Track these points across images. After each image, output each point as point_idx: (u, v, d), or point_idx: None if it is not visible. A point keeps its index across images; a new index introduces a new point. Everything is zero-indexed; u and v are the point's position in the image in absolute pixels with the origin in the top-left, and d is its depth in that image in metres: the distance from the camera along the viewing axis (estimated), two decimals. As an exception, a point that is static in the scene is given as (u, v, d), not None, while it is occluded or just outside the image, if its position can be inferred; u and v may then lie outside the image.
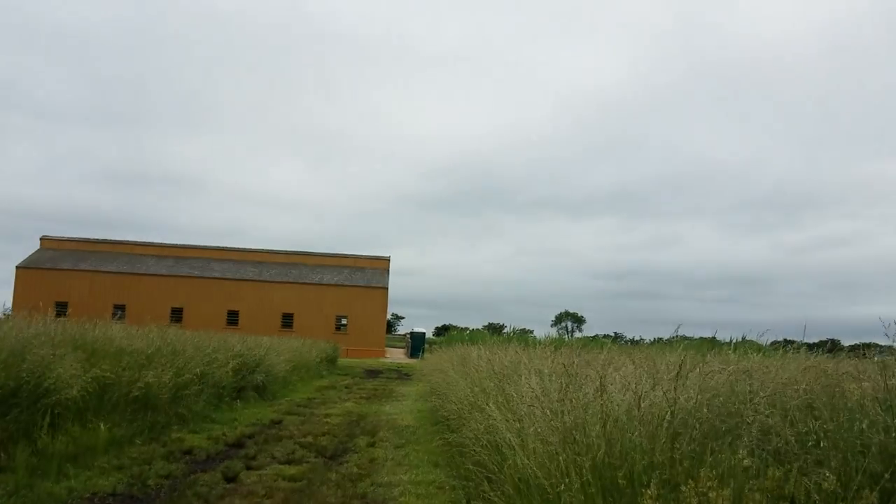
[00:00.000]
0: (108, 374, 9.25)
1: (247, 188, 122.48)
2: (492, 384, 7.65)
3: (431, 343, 60.63)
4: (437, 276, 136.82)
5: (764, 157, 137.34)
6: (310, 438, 11.07)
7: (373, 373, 33.07)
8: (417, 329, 62.65)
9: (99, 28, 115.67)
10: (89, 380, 8.47)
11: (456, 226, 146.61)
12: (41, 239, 62.05)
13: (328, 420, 13.42)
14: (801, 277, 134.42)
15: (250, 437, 11.15)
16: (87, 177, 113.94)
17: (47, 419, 7.85)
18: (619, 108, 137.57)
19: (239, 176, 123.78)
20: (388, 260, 63.05)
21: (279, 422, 13.03)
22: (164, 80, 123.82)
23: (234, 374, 14.46)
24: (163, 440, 10.06)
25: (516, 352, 10.47)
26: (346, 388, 22.00)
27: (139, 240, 62.55)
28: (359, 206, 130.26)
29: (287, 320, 56.92)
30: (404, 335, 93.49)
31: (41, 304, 13.37)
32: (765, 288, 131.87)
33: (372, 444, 10.84)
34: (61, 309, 56.44)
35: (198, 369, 12.35)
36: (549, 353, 8.94)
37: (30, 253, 60.58)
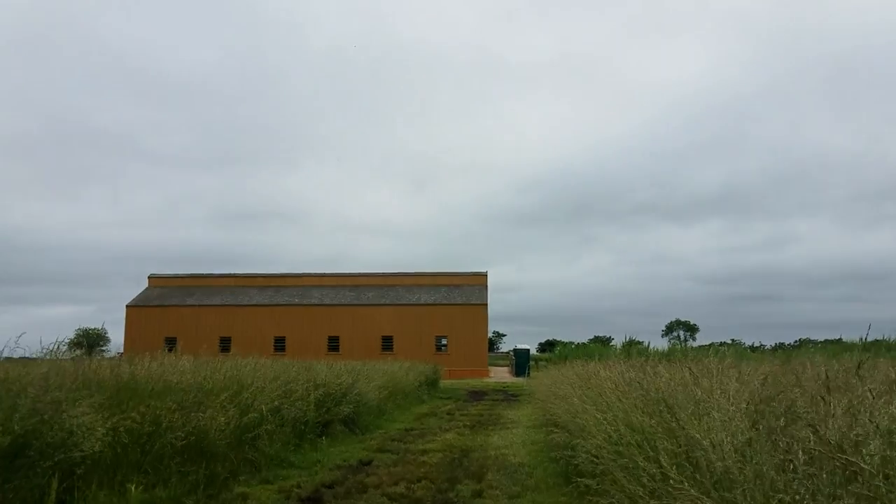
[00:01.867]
0: (138, 419, 7.39)
1: (346, 217, 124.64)
2: (653, 421, 5.12)
3: (536, 360, 57.65)
4: (538, 290, 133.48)
5: (878, 144, 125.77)
6: (402, 487, 8.85)
7: (477, 395, 30.73)
8: (521, 346, 59.77)
9: (202, 75, 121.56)
10: (108, 430, 6.59)
11: (555, 238, 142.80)
12: (149, 277, 64.13)
13: (426, 458, 11.18)
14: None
15: (331, 486, 9.06)
16: (198, 218, 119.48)
17: (54, 483, 6.01)
18: (720, 107, 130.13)
19: (339, 205, 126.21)
20: (485, 275, 60.83)
21: (368, 462, 10.92)
22: (264, 118, 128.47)
23: (316, 408, 12.53)
24: (221, 497, 8.12)
25: (668, 369, 7.83)
26: (447, 414, 19.78)
27: (241, 272, 63.48)
28: (456, 225, 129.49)
29: (387, 343, 55.70)
30: (507, 353, 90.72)
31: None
32: (890, 283, 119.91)
33: (479, 494, 8.49)
34: (171, 344, 58.00)
35: (269, 404, 10.45)
36: (732, 373, 6.30)
37: (139, 292, 62.70)
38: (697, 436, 4.02)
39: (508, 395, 30.01)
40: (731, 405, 4.56)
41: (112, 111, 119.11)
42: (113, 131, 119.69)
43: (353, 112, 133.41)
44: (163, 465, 7.96)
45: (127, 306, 60.38)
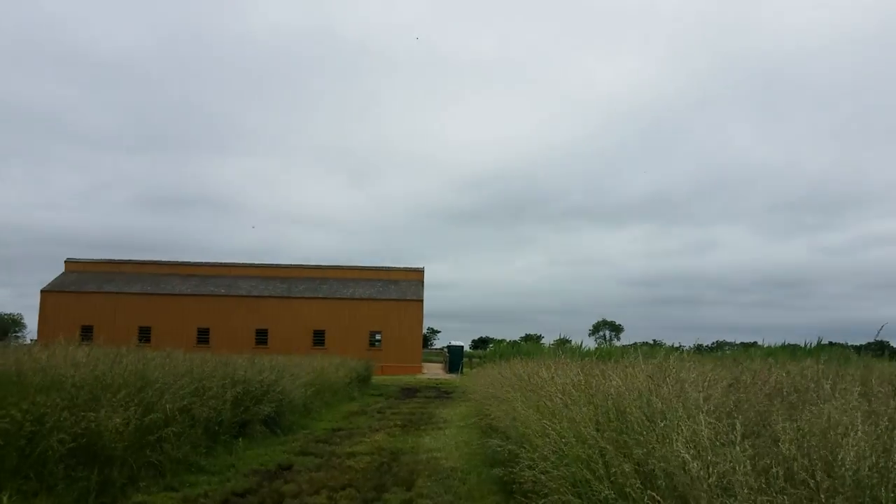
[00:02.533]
0: (19, 418, 6.32)
1: (281, 208, 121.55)
2: (606, 435, 4.47)
3: (470, 357, 57.40)
4: (473, 288, 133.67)
5: (801, 157, 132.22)
6: (323, 497, 8.02)
7: (409, 391, 29.99)
8: (455, 342, 59.35)
9: (135, 56, 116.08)
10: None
11: (490, 238, 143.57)
12: (66, 262, 60.58)
13: (352, 462, 10.35)
14: (841, 279, 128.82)
15: (242, 495, 8.14)
16: (124, 202, 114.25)
17: None
18: (651, 115, 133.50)
19: (273, 196, 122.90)
20: (421, 271, 60.12)
21: (288, 467, 10.01)
22: (198, 103, 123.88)
23: (233, 407, 11.51)
24: (114, 509, 7.11)
25: (615, 372, 7.26)
26: (378, 412, 18.95)
27: (164, 259, 60.66)
28: (392, 221, 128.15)
29: (318, 338, 54.25)
30: (441, 349, 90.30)
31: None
32: (804, 290, 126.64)
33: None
34: (87, 333, 54.99)
35: (177, 403, 9.40)
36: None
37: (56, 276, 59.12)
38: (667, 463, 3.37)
39: (441, 393, 29.39)
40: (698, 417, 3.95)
41: (38, 89, 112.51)
42: (38, 110, 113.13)
43: (292, 102, 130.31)
44: (47, 471, 6.88)
45: (42, 291, 56.82)
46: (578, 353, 25.55)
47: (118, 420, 7.60)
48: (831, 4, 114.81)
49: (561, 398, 6.42)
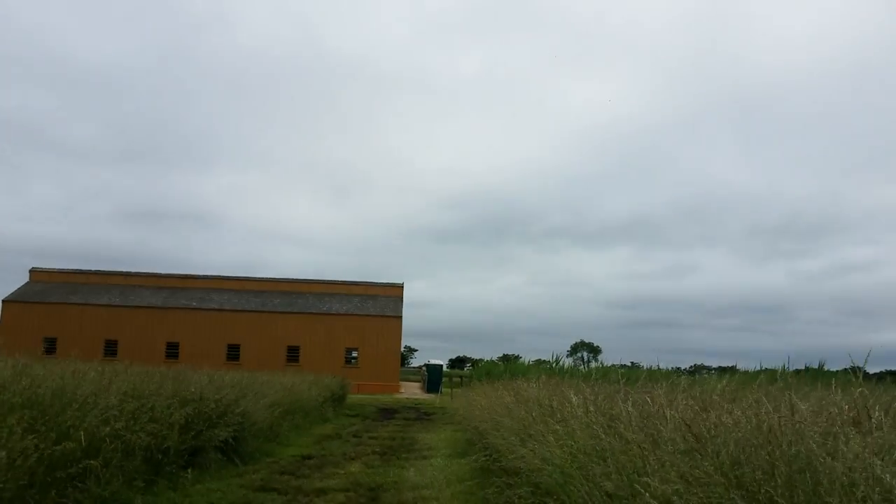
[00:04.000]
0: None
1: (262, 224, 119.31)
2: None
3: (449, 376, 55.52)
4: (451, 307, 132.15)
5: (780, 184, 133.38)
6: (283, 553, 6.21)
7: (388, 412, 28.07)
8: (434, 361, 57.50)
9: (117, 67, 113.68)
10: None
11: (470, 257, 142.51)
12: (31, 271, 57.88)
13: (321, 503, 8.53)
14: (818, 305, 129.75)
15: (179, 550, 6.31)
16: (101, 215, 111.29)
17: None
18: (633, 138, 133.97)
19: (254, 212, 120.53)
20: (401, 287, 58.19)
21: (244, 509, 8.18)
22: (180, 116, 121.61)
23: (182, 431, 9.63)
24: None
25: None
26: (353, 436, 17.07)
27: (129, 268, 58.16)
28: (372, 239, 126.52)
29: (293, 354, 52.00)
30: (419, 368, 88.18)
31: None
32: (781, 316, 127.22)
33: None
34: (50, 345, 52.28)
35: (105, 428, 7.55)
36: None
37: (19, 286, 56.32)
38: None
39: (421, 414, 27.52)
40: None
41: (17, 98, 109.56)
42: (16, 119, 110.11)
43: (275, 117, 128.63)
44: None
45: (3, 301, 53.95)
46: (579, 373, 23.80)
47: (2, 454, 5.74)
48: (811, 38, 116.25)
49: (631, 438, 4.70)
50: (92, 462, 7.22)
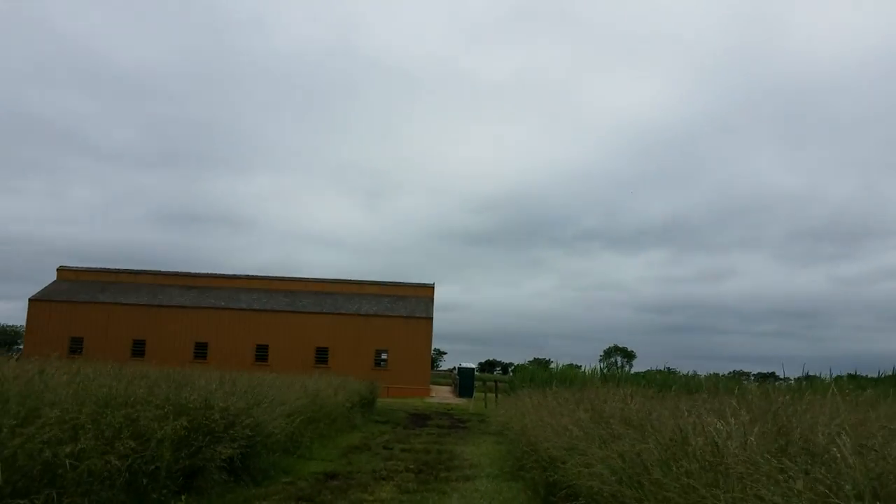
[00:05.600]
0: None
1: (296, 226, 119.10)
2: None
3: (484, 380, 53.51)
4: (482, 310, 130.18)
5: (821, 186, 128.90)
6: None
7: (420, 419, 26.19)
8: (466, 364, 55.46)
9: (155, 71, 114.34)
10: None
11: (501, 260, 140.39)
12: (58, 270, 57.32)
13: (346, 544, 6.67)
14: (859, 310, 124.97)
15: None
16: (138, 217, 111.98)
17: None
18: (671, 140, 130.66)
19: (287, 215, 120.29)
20: (431, 287, 56.32)
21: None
22: (217, 120, 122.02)
23: (177, 448, 7.86)
24: None
25: None
26: (384, 448, 15.22)
27: (162, 269, 57.26)
28: (404, 241, 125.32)
29: (321, 355, 50.46)
30: (449, 371, 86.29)
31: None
32: (821, 321, 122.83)
33: None
34: (76, 345, 51.59)
35: (66, 447, 5.79)
36: None
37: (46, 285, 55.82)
38: None
39: (455, 421, 25.58)
40: None
41: (58, 103, 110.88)
42: (58, 124, 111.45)
43: (310, 120, 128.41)
44: None
45: (29, 300, 53.42)
46: (616, 378, 21.53)
47: None
48: (857, 33, 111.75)
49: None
50: (45, 492, 5.45)
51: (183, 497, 7.69)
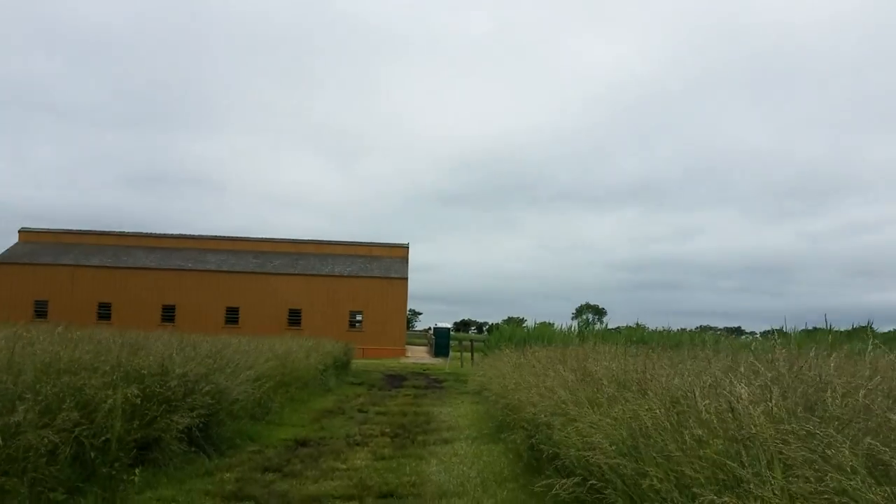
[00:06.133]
0: None
1: (267, 188, 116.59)
2: None
3: (459, 340, 53.38)
4: (456, 271, 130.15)
5: (791, 143, 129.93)
6: None
7: (395, 379, 25.75)
8: (441, 324, 55.23)
9: (119, 29, 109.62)
10: None
11: (475, 220, 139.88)
12: (20, 231, 55.35)
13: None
14: (824, 265, 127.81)
15: None
16: (104, 179, 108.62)
17: None
18: (643, 100, 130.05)
19: (259, 175, 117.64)
20: (406, 248, 55.62)
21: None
22: (185, 80, 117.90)
23: (130, 418, 7.15)
24: None
25: None
26: (359, 411, 14.67)
27: (127, 230, 55.58)
28: (378, 202, 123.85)
29: (294, 317, 49.69)
30: (425, 331, 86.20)
31: None
32: (786, 277, 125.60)
33: None
34: (41, 309, 50.13)
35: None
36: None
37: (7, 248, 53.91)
38: None
39: (432, 381, 25.20)
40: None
41: (21, 62, 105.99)
42: (20, 84, 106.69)
43: (281, 80, 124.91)
44: None
45: (-10, 263, 51.58)
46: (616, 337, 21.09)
47: None
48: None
49: None
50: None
51: (136, 470, 7.01)
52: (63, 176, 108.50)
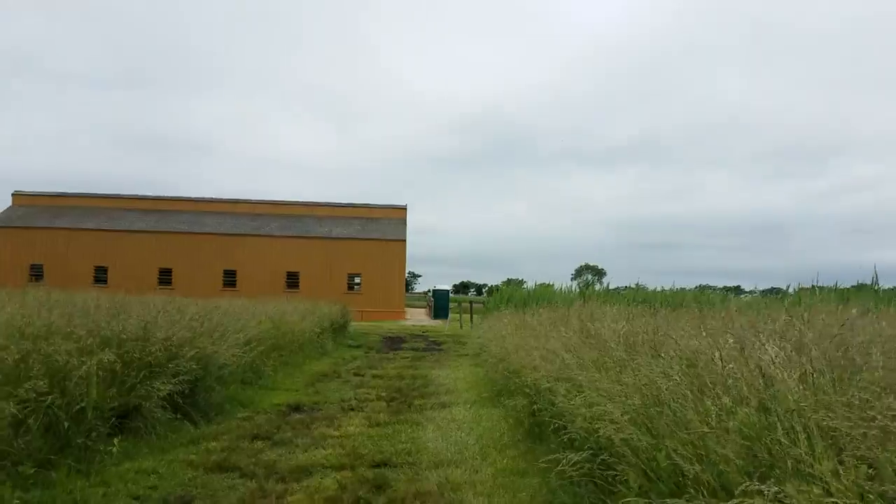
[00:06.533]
0: None
1: (263, 152, 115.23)
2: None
3: (459, 302, 53.11)
4: (455, 233, 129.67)
5: (790, 104, 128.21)
6: None
7: (394, 342, 25.46)
8: (440, 287, 54.87)
9: None
10: None
11: (475, 182, 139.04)
12: (13, 195, 54.59)
13: (302, 497, 5.69)
14: (821, 224, 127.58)
15: None
16: (96, 143, 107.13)
17: None
18: (642, 59, 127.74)
19: (254, 138, 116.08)
20: (404, 209, 54.95)
21: (183, 507, 5.34)
22: (180, 44, 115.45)
23: (104, 386, 6.72)
24: None
25: None
26: (355, 374, 14.32)
27: (123, 193, 54.81)
28: (375, 165, 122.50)
29: (292, 280, 49.35)
30: (423, 294, 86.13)
31: None
32: (784, 235, 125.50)
33: None
34: (36, 273, 49.74)
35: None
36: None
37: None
38: None
39: (431, 344, 24.88)
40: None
41: (11, 25, 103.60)
42: (11, 46, 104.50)
43: (275, 40, 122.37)
44: None
45: (-16, 227, 51.00)
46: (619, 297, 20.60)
47: None
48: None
49: None
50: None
51: (115, 441, 6.60)
52: (57, 140, 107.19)
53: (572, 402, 4.92)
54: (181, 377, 7.64)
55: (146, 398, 7.17)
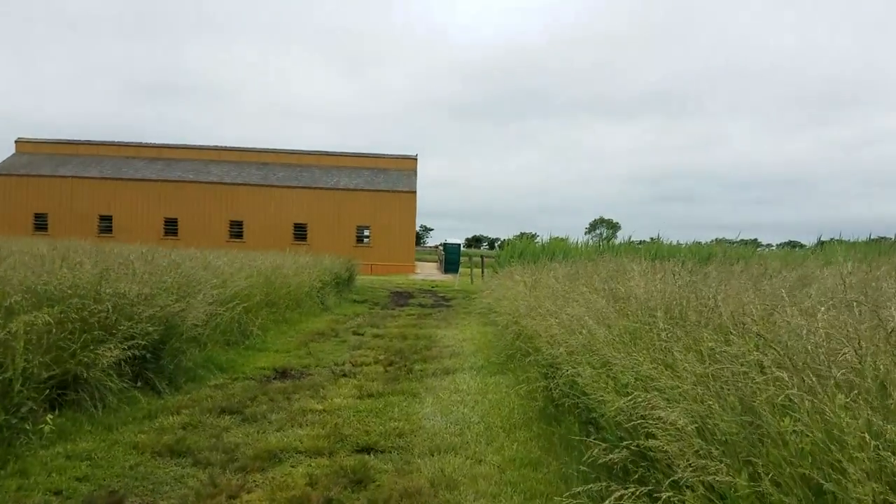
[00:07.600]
0: None
1: (272, 98, 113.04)
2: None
3: (470, 256, 51.96)
4: (468, 186, 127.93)
5: (817, 47, 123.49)
6: None
7: (401, 297, 24.40)
8: (451, 240, 53.65)
9: None
10: None
11: (489, 134, 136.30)
12: (16, 142, 53.45)
13: (261, 495, 4.59)
14: (844, 175, 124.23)
15: None
16: (109, 89, 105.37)
17: None
18: (665, 6, 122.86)
19: (265, 86, 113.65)
20: (414, 159, 53.36)
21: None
22: None
23: (39, 352, 5.60)
24: None
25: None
26: (354, 333, 13.24)
27: (127, 140, 53.50)
28: (387, 112, 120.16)
29: (300, 232, 48.27)
30: (435, 247, 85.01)
31: None
32: (806, 187, 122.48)
33: None
34: (40, 222, 48.99)
35: None
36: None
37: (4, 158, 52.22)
38: None
39: (440, 299, 23.81)
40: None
41: None
42: None
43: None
44: None
45: (-14, 175, 50.04)
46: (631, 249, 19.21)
47: None
48: None
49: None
50: None
51: (48, 417, 5.51)
52: (65, 86, 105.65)
53: (613, 405, 3.68)
54: (137, 340, 6.50)
55: (90, 366, 6.05)
